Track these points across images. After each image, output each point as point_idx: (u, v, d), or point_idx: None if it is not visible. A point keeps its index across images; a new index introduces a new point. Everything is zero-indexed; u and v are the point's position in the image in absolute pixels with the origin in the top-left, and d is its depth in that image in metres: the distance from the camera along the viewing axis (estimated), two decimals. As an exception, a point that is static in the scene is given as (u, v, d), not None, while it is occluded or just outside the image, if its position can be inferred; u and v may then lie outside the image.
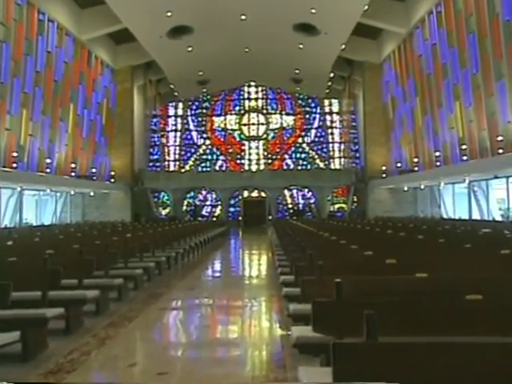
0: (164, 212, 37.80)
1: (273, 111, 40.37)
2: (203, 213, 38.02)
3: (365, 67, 34.47)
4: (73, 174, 28.91)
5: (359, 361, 2.31)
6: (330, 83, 36.40)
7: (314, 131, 40.01)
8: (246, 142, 40.20)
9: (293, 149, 39.84)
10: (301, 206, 37.61)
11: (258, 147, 40.07)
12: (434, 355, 2.27)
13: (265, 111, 40.43)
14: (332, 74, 34.78)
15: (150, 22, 27.22)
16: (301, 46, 30.31)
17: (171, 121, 40.71)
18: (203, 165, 39.70)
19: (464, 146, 23.68)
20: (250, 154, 40.01)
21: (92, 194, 32.14)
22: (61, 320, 5.81)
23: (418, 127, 29.68)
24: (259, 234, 29.47)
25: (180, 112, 40.68)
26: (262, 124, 40.28)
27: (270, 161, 39.77)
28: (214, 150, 40.16)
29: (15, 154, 23.15)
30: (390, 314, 3.15)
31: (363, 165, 36.11)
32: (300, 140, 39.91)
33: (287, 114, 40.21)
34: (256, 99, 40.50)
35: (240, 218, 36.93)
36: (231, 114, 40.42)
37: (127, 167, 34.45)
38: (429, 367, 2.26)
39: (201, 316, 7.64)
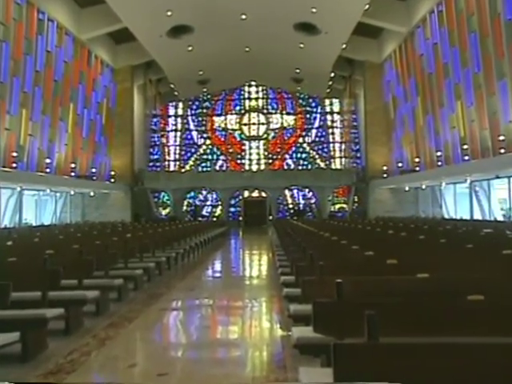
0: (164, 212, 37.73)
1: (273, 111, 40.29)
2: (203, 213, 37.95)
3: (366, 67, 34.43)
4: (72, 173, 28.88)
5: (360, 361, 2.29)
6: (330, 83, 36.32)
7: (314, 131, 39.93)
8: (247, 142, 40.13)
9: (293, 149, 39.76)
10: (301, 206, 37.55)
11: (258, 147, 39.99)
12: (435, 356, 2.25)
13: (265, 111, 40.35)
14: (333, 74, 34.71)
15: (150, 22, 27.15)
16: (301, 46, 30.24)
17: (171, 120, 40.63)
18: (203, 165, 39.63)
19: (465, 146, 23.65)
20: (250, 154, 39.93)
21: (92, 194, 32.10)
22: (61, 320, 5.80)
23: (419, 127, 29.62)
24: (260, 234, 29.44)
25: (180, 112, 40.60)
26: (263, 124, 40.20)
27: (270, 161, 39.69)
28: (215, 149, 40.08)
29: (15, 154, 23.12)
30: (391, 315, 3.12)
31: (364, 165, 36.05)
32: (301, 140, 39.83)
33: (288, 114, 40.12)
34: (256, 99, 40.42)
35: (240, 218, 36.87)
36: (232, 114, 40.33)
37: (127, 167, 34.39)
38: (430, 368, 2.25)
39: (201, 317, 7.61)
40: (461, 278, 4.36)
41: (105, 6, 25.55)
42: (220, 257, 18.19)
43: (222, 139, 40.17)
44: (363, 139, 36.20)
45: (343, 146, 39.36)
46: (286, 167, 39.24)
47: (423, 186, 30.05)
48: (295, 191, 37.84)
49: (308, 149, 39.66)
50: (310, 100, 39.95)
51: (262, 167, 39.13)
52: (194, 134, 40.39)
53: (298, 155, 39.54)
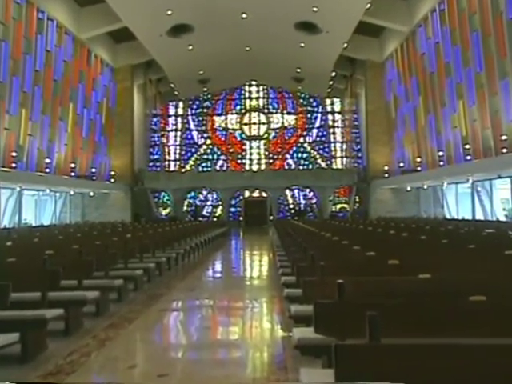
0: (164, 212, 37.65)
1: (274, 110, 40.20)
2: (204, 213, 37.89)
3: (367, 66, 34.35)
4: (72, 173, 28.82)
5: (361, 362, 2.28)
6: (331, 82, 36.24)
7: (315, 131, 39.84)
8: (247, 142, 40.04)
9: (294, 148, 39.68)
10: (302, 206, 37.46)
11: (259, 147, 39.91)
12: (436, 357, 2.24)
13: (266, 110, 40.26)
14: (334, 73, 34.64)
15: (150, 21, 27.08)
16: (302, 45, 30.16)
17: (171, 120, 40.57)
18: (204, 165, 39.56)
19: (467, 146, 23.59)
20: (251, 154, 39.85)
21: (92, 194, 32.04)
22: (60, 321, 5.78)
23: (421, 126, 29.53)
24: (260, 234, 29.40)
25: (180, 111, 40.52)
26: (263, 123, 40.11)
27: (271, 160, 39.61)
28: (215, 149, 40.00)
29: (14, 154, 23.06)
30: (393, 315, 3.10)
31: (365, 164, 36.00)
32: (301, 139, 39.74)
33: (288, 114, 40.03)
34: (257, 98, 40.33)
35: (241, 219, 36.78)
36: (232, 114, 40.24)
37: (127, 167, 34.32)
38: (432, 369, 2.23)
39: (201, 317, 7.57)
40: (463, 278, 4.34)
41: (104, 5, 25.48)
42: (220, 257, 18.18)
43: (223, 139, 40.09)
44: (364, 139, 36.11)
45: (344, 146, 39.28)
46: (286, 167, 39.15)
47: (425, 186, 29.97)
48: (296, 191, 37.75)
49: (309, 149, 39.56)
50: (311, 99, 39.86)
51: (263, 167, 39.05)
52: (195, 133, 40.31)
53: (299, 155, 39.44)
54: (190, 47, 30.41)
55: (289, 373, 4.64)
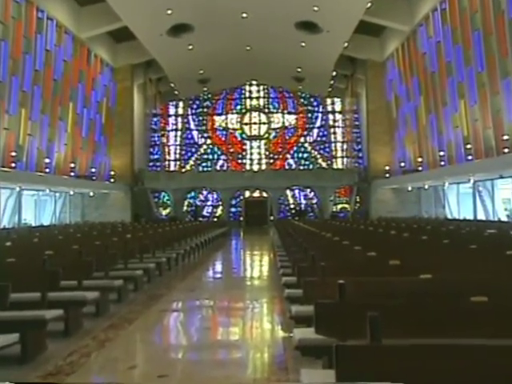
0: (164, 212, 37.57)
1: (274, 110, 40.14)
2: (204, 213, 37.81)
3: (368, 65, 34.29)
4: (72, 173, 28.76)
5: (362, 363, 2.28)
6: (332, 82, 36.17)
7: (316, 130, 39.77)
8: (248, 142, 39.97)
9: (295, 148, 39.62)
10: (303, 206, 37.38)
11: (259, 147, 39.83)
12: (438, 357, 2.24)
13: (266, 110, 40.19)
14: (334, 73, 34.58)
15: (150, 20, 27.01)
16: (303, 44, 30.12)
17: (172, 120, 40.50)
18: (204, 164, 39.49)
19: (469, 146, 23.55)
20: (251, 154, 39.77)
21: (91, 194, 31.96)
22: (60, 322, 5.77)
23: (422, 126, 29.47)
24: (261, 234, 29.36)
25: (180, 111, 40.45)
26: (264, 123, 40.03)
27: (271, 160, 39.54)
28: (215, 149, 39.92)
29: (14, 154, 22.99)
30: (394, 316, 3.09)
31: (366, 164, 35.94)
32: (302, 139, 39.67)
33: (289, 113, 39.96)
34: (257, 98, 40.27)
35: (241, 219, 36.71)
36: (232, 113, 40.15)
37: (127, 167, 34.26)
38: (433, 370, 2.23)
39: (201, 318, 7.55)
40: (464, 279, 4.33)
41: (104, 5, 25.39)
42: (221, 257, 18.16)
43: (223, 139, 40.01)
44: (365, 139, 36.05)
45: (345, 146, 39.22)
46: (287, 167, 39.10)
47: (426, 186, 29.87)
48: (296, 191, 37.68)
49: (309, 148, 39.49)
50: (312, 99, 39.77)
51: (263, 167, 38.99)
52: (195, 133, 40.23)
53: (300, 155, 39.37)
54: (190, 47, 30.34)
55: (289, 373, 4.62)
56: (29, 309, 5.17)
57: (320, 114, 39.88)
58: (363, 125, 36.79)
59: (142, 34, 28.72)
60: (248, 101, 40.28)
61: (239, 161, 39.64)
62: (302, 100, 39.90)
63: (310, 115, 39.87)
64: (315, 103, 39.86)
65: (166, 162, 39.60)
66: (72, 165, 28.93)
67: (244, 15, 27.65)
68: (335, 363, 2.26)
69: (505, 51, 20.22)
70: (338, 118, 39.82)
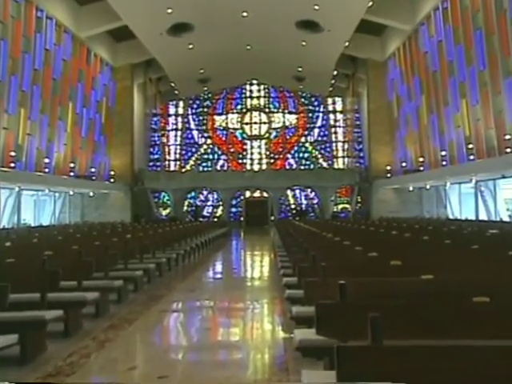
0: (164, 212, 37.47)
1: (275, 110, 40.04)
2: (204, 213, 37.72)
3: (369, 65, 34.22)
4: (72, 173, 28.69)
5: (364, 364, 2.28)
6: (333, 81, 36.11)
7: (317, 130, 39.67)
8: (248, 142, 39.87)
9: (295, 148, 39.51)
10: (303, 206, 37.29)
11: (260, 146, 39.73)
12: (439, 358, 2.24)
13: (267, 110, 40.08)
14: (335, 72, 34.55)
15: (150, 19, 26.94)
16: (304, 44, 30.07)
17: (172, 120, 40.40)
18: (204, 164, 39.40)
19: (471, 145, 23.48)
20: (251, 154, 39.67)
21: (91, 194, 31.89)
22: (60, 322, 5.76)
23: (424, 126, 29.39)
24: (261, 234, 29.32)
25: (181, 111, 40.35)
26: (264, 123, 39.93)
27: (272, 160, 39.43)
28: (216, 149, 39.82)
29: (13, 154, 22.91)
30: (395, 317, 3.10)
31: (367, 164, 35.87)
32: (303, 139, 39.56)
33: (290, 113, 39.86)
34: (258, 97, 40.16)
35: (242, 219, 36.63)
36: (233, 113, 40.05)
37: (127, 167, 34.17)
38: (434, 370, 2.23)
39: (202, 318, 7.54)
40: (466, 279, 4.33)
41: (104, 4, 25.35)
42: (221, 258, 18.14)
43: (223, 138, 39.92)
44: (366, 138, 35.96)
45: (346, 146, 39.11)
46: (287, 167, 39.00)
47: (427, 186, 29.80)
48: (297, 191, 37.59)
49: (310, 148, 39.38)
50: (313, 99, 39.66)
51: (264, 167, 38.89)
52: (195, 133, 40.12)
53: (300, 155, 39.26)
54: (191, 46, 30.26)
55: (290, 374, 4.60)
56: (28, 309, 5.16)
57: (321, 114, 39.77)
58: (364, 124, 36.71)
59: (142, 33, 28.65)
60: (248, 100, 40.17)
61: (240, 161, 39.53)
62: (302, 99, 39.78)
63: (310, 115, 39.75)
64: (316, 103, 39.75)
65: (166, 162, 39.50)
66: (72, 165, 28.85)
67: (244, 14, 27.59)
68: (336, 364, 2.25)
69: (507, 51, 20.14)
70: (339, 117, 39.70)
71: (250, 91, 40.12)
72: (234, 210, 37.83)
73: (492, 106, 21.48)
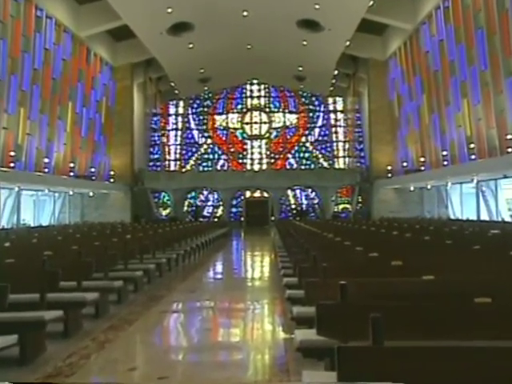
0: (164, 213, 37.41)
1: (276, 109, 39.99)
2: (204, 213, 37.67)
3: (370, 64, 34.14)
4: (71, 173, 28.64)
5: (365, 365, 2.27)
6: (334, 81, 36.03)
7: (317, 130, 39.60)
8: (249, 141, 39.80)
9: (296, 148, 39.44)
10: (304, 206, 37.22)
11: (260, 146, 39.66)
12: (440, 359, 2.23)
13: (267, 109, 40.02)
14: (336, 72, 34.47)
15: (150, 19, 26.89)
16: (304, 43, 30.02)
17: (172, 119, 40.35)
18: (204, 164, 39.33)
19: (472, 145, 23.45)
20: (252, 154, 39.60)
21: (91, 194, 31.84)
22: (59, 323, 5.75)
23: (425, 125, 29.32)
24: (262, 235, 29.28)
25: (181, 110, 40.29)
26: (265, 123, 39.85)
27: (272, 160, 39.36)
28: (216, 149, 39.75)
29: (13, 154, 22.87)
30: (396, 317, 3.10)
31: (368, 164, 35.81)
32: (303, 139, 39.49)
33: (290, 113, 39.80)
34: (258, 97, 40.09)
35: (242, 219, 36.58)
36: (233, 113, 39.99)
37: (127, 167, 34.11)
38: (435, 372, 2.22)
39: (202, 319, 7.53)
40: (467, 280, 4.31)
41: (104, 3, 25.31)
42: (221, 258, 18.09)
43: (224, 138, 39.85)
44: (367, 138, 35.91)
45: (347, 145, 39.04)
46: (288, 167, 38.94)
47: (428, 186, 29.74)
48: (298, 191, 37.53)
49: (311, 148, 39.31)
50: (313, 98, 39.59)
51: (264, 167, 38.84)
52: (195, 133, 40.05)
53: (301, 154, 39.19)
54: (191, 45, 30.20)
55: (291, 375, 4.59)
56: (28, 310, 5.15)
57: (321, 114, 39.69)
58: (365, 124, 36.65)
59: (142, 33, 28.59)
60: (249, 100, 40.10)
61: (240, 160, 39.47)
62: (303, 99, 39.70)
63: (311, 114, 39.68)
64: (317, 102, 39.68)
65: (166, 162, 39.44)
66: (71, 165, 28.81)
67: (245, 13, 27.55)
68: (337, 365, 2.25)
69: (508, 50, 20.11)
70: (340, 117, 39.64)
71: (251, 91, 40.05)
72: (234, 210, 37.77)
73: (493, 105, 21.43)
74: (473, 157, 23.04)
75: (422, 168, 28.94)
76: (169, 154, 39.72)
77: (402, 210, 31.71)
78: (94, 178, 30.82)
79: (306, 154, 39.17)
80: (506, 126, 20.50)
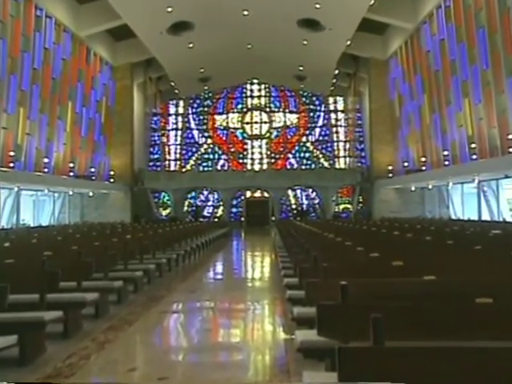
0: (164, 213, 37.36)
1: (276, 109, 39.93)
2: (205, 213, 37.61)
3: (370, 64, 34.09)
4: (71, 173, 28.62)
5: (365, 365, 2.27)
6: (334, 80, 36.00)
7: (318, 130, 39.54)
8: (249, 141, 39.74)
9: (296, 148, 39.38)
10: (305, 206, 37.17)
11: (260, 146, 39.60)
12: (441, 360, 2.22)
13: (268, 109, 39.96)
14: (337, 71, 34.44)
15: (150, 18, 26.84)
16: (305, 42, 29.98)
17: (172, 119, 40.31)
18: (205, 164, 39.28)
19: (473, 145, 23.41)
20: (252, 153, 39.54)
21: (91, 194, 31.80)
22: (59, 323, 5.75)
23: (426, 125, 29.26)
24: (262, 235, 29.25)
25: (181, 110, 40.23)
26: (265, 122, 39.79)
27: (273, 160, 39.31)
28: (216, 149, 39.69)
29: (12, 154, 22.84)
30: (397, 318, 3.10)
31: (369, 164, 35.77)
32: (304, 139, 39.43)
33: (291, 112, 39.73)
34: (259, 97, 40.02)
35: (242, 219, 36.55)
36: (233, 112, 39.93)
37: (127, 167, 34.06)
38: (436, 372, 2.21)
39: (202, 319, 7.55)
40: (469, 280, 4.30)
41: (104, 2, 25.28)
42: (222, 258, 18.07)
43: (224, 138, 39.79)
44: (368, 138, 35.86)
45: (347, 145, 38.96)
46: (288, 167, 38.89)
47: (430, 186, 29.71)
48: (298, 191, 37.47)
49: (311, 148, 39.25)
50: (314, 98, 39.53)
51: (265, 167, 38.81)
52: (195, 132, 40.00)
53: (302, 154, 39.13)
54: (191, 45, 30.14)
55: (291, 376, 4.59)
56: (27, 310, 5.15)
57: (322, 113, 39.63)
58: (366, 124, 36.61)
59: (142, 32, 28.54)
60: (249, 100, 40.04)
61: (240, 160, 39.41)
62: (303, 99, 39.64)
63: (311, 114, 39.61)
64: (317, 102, 39.62)
65: (166, 162, 39.40)
66: (71, 164, 28.77)
67: (245, 13, 27.50)
68: (338, 365, 2.25)
69: (510, 49, 20.09)
70: (341, 117, 39.57)
71: (251, 90, 39.99)
72: (234, 210, 37.72)
73: (495, 105, 21.38)
74: (474, 157, 22.98)
75: (423, 168, 28.90)
76: (169, 153, 39.67)
77: (403, 210, 31.65)
78: (93, 178, 30.78)
79: (307, 154, 39.10)
80: (507, 126, 20.44)
